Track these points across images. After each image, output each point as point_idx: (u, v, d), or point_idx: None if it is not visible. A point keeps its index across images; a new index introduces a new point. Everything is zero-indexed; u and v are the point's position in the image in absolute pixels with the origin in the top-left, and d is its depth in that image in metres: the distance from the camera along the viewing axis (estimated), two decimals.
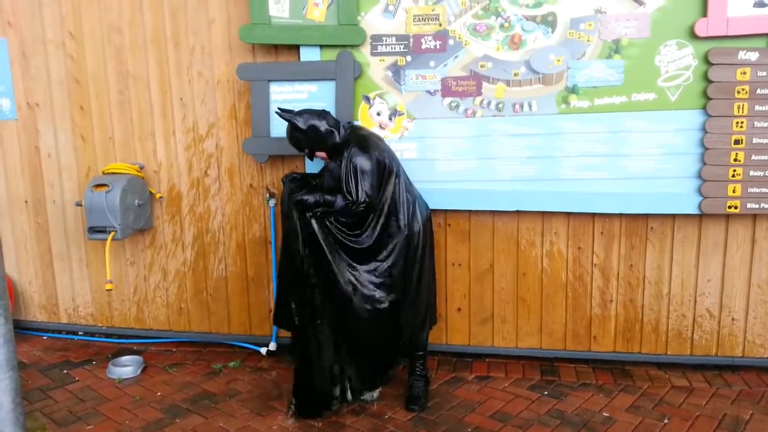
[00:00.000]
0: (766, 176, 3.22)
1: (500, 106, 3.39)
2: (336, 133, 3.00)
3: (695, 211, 3.30)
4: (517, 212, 3.51)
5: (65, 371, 3.67)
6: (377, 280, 2.98)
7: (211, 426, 3.03)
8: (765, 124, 3.19)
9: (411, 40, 3.40)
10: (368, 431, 2.95)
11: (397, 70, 3.44)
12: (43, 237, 4.12)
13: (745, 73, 3.16)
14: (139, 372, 3.62)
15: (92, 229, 3.67)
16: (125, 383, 3.51)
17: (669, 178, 3.30)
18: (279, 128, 3.49)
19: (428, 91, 3.43)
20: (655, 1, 3.19)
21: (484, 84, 3.38)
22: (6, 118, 4.01)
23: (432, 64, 3.40)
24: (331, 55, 3.45)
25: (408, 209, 3.03)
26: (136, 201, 3.70)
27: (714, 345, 3.51)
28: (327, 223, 2.96)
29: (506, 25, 3.32)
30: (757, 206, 3.25)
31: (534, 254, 3.56)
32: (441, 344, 3.72)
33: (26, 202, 4.10)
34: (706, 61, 3.18)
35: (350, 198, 2.89)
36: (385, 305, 2.99)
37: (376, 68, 3.46)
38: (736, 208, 3.25)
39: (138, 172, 3.80)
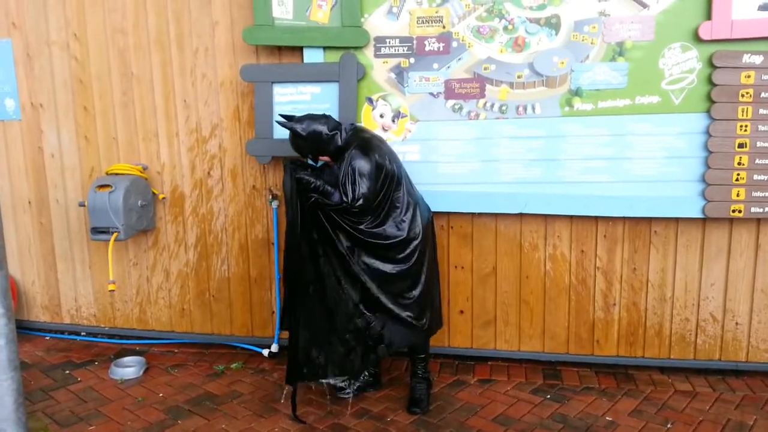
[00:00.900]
0: None
1: (503, 108, 3.39)
2: (338, 136, 2.99)
3: (699, 215, 3.29)
4: (520, 215, 3.50)
5: (67, 372, 3.68)
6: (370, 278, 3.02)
7: (213, 427, 3.03)
8: None
9: (414, 42, 3.40)
10: None
11: (400, 72, 3.44)
12: (46, 237, 4.13)
13: (749, 76, 3.15)
14: (141, 373, 3.62)
15: (95, 230, 3.68)
16: (127, 384, 3.52)
17: (672, 182, 3.29)
18: (282, 130, 3.47)
19: (431, 93, 3.43)
20: (660, 4, 3.18)
21: (488, 86, 3.38)
22: (10, 119, 4.02)
23: (435, 66, 3.40)
24: (335, 56, 3.45)
25: (409, 212, 3.02)
26: (139, 202, 3.71)
27: (717, 349, 3.50)
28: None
29: (510, 27, 3.32)
30: (760, 210, 3.24)
31: (537, 257, 3.55)
32: (443, 347, 3.71)
33: (30, 202, 4.11)
34: (711, 64, 3.17)
35: (346, 198, 2.89)
36: (367, 314, 3.03)
37: (379, 70, 3.46)
38: (739, 212, 3.24)
39: (141, 172, 3.81)
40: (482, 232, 3.58)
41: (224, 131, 3.74)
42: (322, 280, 3.03)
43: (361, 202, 2.88)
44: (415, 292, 3.05)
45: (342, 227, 2.97)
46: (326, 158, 3.06)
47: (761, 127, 3.18)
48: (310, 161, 3.11)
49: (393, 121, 3.48)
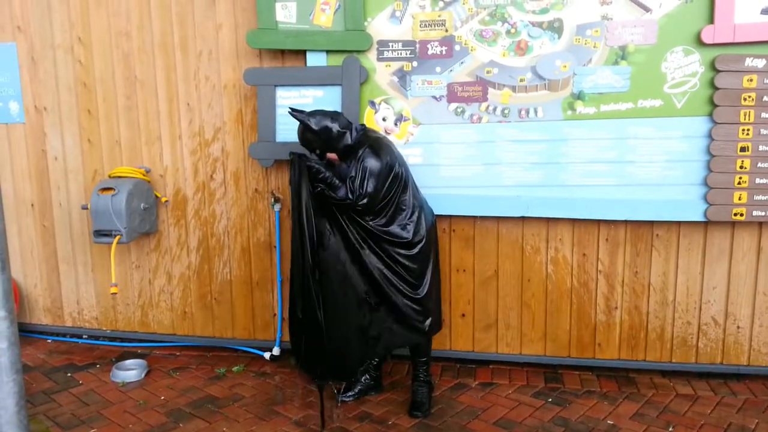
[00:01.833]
0: None
1: (506, 111, 3.39)
2: (348, 134, 3.00)
3: (701, 219, 3.29)
4: (522, 218, 3.50)
5: (69, 374, 3.68)
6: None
7: (214, 430, 3.03)
8: None
9: (417, 45, 3.41)
10: None
11: (403, 76, 3.45)
12: (48, 240, 4.13)
13: (751, 80, 3.15)
14: (143, 376, 3.62)
15: (98, 233, 3.68)
16: (129, 387, 3.52)
17: (675, 185, 3.29)
18: (285, 133, 3.50)
19: (434, 97, 3.43)
20: (662, 8, 3.19)
21: (490, 90, 3.38)
22: (14, 122, 4.03)
23: (438, 69, 3.41)
24: (338, 60, 3.46)
25: (414, 214, 3.04)
26: (142, 205, 3.72)
27: (719, 353, 3.49)
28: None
29: (512, 31, 3.33)
30: (762, 214, 3.23)
31: (539, 260, 3.55)
32: (445, 350, 3.71)
33: (32, 205, 4.12)
34: (713, 68, 3.17)
35: (351, 195, 2.90)
36: (373, 306, 3.06)
37: (382, 74, 3.46)
38: (741, 215, 3.24)
39: (144, 175, 3.81)
40: (484, 235, 3.58)
41: (227, 134, 3.75)
42: (328, 271, 3.05)
43: (365, 200, 2.90)
44: (420, 293, 3.06)
45: (354, 218, 3.00)
46: (333, 156, 3.06)
47: (763, 131, 3.18)
48: (315, 157, 3.11)
49: (395, 124, 3.49)
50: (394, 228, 3.01)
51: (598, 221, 3.45)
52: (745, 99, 3.16)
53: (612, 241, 3.47)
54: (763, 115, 3.17)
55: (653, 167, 3.30)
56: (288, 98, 3.53)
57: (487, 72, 3.37)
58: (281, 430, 3.02)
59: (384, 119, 3.50)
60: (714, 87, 3.18)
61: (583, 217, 3.42)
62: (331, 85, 3.48)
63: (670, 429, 2.99)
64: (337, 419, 3.09)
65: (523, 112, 3.38)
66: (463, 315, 3.67)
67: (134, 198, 3.66)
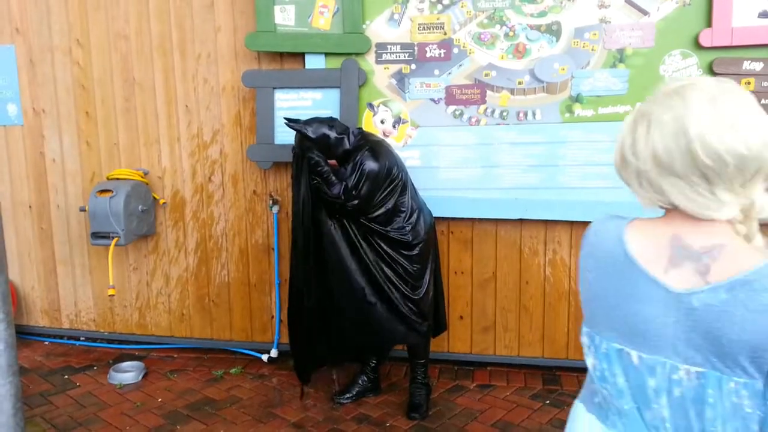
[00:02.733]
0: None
1: (504, 114, 3.40)
2: (346, 139, 3.00)
3: None
4: (520, 220, 3.50)
5: (66, 376, 3.67)
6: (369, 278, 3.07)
7: None
8: None
9: (416, 48, 3.41)
10: None
11: (401, 78, 3.45)
12: (46, 242, 4.13)
13: (749, 83, 3.16)
14: (140, 378, 3.62)
15: (96, 235, 3.68)
16: (126, 389, 3.51)
17: None
18: (283, 135, 3.50)
19: (432, 99, 3.44)
20: (660, 11, 3.20)
21: (488, 92, 3.39)
22: (12, 124, 4.03)
23: (436, 72, 3.41)
24: (336, 62, 3.46)
25: (413, 217, 3.04)
26: (140, 207, 3.71)
27: None
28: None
29: (511, 34, 3.33)
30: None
31: (536, 262, 3.55)
32: (443, 352, 3.70)
33: (30, 207, 4.11)
34: (711, 71, 3.18)
35: (344, 195, 2.92)
36: (370, 301, 3.06)
37: (380, 76, 3.47)
38: None
39: (142, 177, 3.81)
40: (482, 237, 3.58)
41: (225, 137, 3.75)
42: (325, 260, 3.07)
43: (355, 202, 2.92)
44: (418, 294, 3.06)
45: (352, 215, 3.02)
46: (333, 162, 3.06)
47: None
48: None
49: (394, 126, 3.49)
50: (393, 228, 3.02)
51: None
52: None
53: None
54: None
55: None
56: (286, 101, 3.54)
57: (486, 75, 3.38)
58: None
59: (382, 122, 3.50)
60: None
61: (581, 220, 3.42)
62: (330, 88, 3.48)
63: None
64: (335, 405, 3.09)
65: (521, 115, 3.38)
66: (461, 317, 3.67)
67: (132, 200, 3.66)
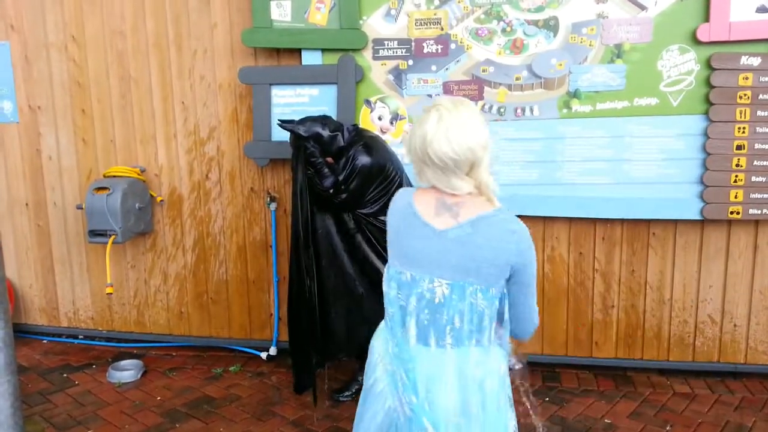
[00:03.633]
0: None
1: (502, 110, 3.39)
2: (340, 136, 2.99)
3: (697, 217, 3.29)
4: (518, 217, 3.49)
5: (65, 375, 3.66)
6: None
7: (210, 431, 3.02)
8: (767, 130, 3.18)
9: (413, 44, 3.40)
10: None
11: (398, 74, 3.44)
12: (43, 240, 4.12)
13: (747, 78, 3.15)
14: (139, 376, 3.61)
15: (93, 233, 3.67)
16: (125, 387, 3.50)
17: (671, 184, 3.29)
18: (280, 132, 3.47)
19: (430, 95, 3.43)
20: (658, 6, 3.18)
21: (486, 88, 3.38)
22: (8, 121, 4.01)
23: (434, 68, 3.40)
24: (333, 59, 3.45)
25: None
26: (137, 204, 3.70)
27: (716, 351, 3.49)
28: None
29: (508, 29, 3.32)
30: (759, 212, 3.24)
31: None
32: None
33: (27, 204, 4.10)
34: (709, 66, 3.17)
35: (333, 187, 2.93)
36: (360, 292, 3.09)
37: (377, 72, 3.45)
38: (738, 213, 3.24)
39: (139, 175, 3.80)
40: None
41: (222, 133, 3.74)
42: (319, 249, 3.08)
43: (344, 196, 2.93)
44: None
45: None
46: (330, 160, 3.06)
47: (759, 129, 3.18)
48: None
49: (391, 123, 3.48)
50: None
51: (595, 220, 3.45)
52: (740, 97, 3.16)
53: (608, 239, 3.47)
54: (759, 113, 3.17)
55: (649, 165, 3.29)
56: (283, 97, 3.52)
57: (483, 70, 3.37)
58: (278, 431, 3.01)
59: (380, 118, 3.49)
60: (710, 85, 3.18)
61: (579, 216, 3.42)
62: (327, 84, 3.47)
63: (668, 428, 2.99)
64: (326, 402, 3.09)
65: (519, 111, 3.37)
66: None
67: (129, 197, 3.64)
